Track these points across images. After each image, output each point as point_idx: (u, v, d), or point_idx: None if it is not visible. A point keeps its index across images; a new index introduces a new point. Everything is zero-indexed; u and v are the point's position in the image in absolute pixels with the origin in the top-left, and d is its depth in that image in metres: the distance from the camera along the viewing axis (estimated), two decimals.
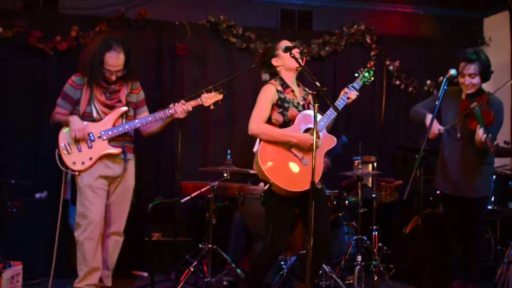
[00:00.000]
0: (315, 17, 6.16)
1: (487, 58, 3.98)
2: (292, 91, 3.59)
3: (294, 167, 3.45)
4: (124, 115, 3.86)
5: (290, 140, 3.45)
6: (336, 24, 6.06)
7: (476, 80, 3.92)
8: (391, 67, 6.12)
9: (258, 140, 3.56)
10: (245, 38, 5.76)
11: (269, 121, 3.54)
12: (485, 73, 3.94)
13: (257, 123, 3.48)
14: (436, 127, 3.91)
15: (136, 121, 3.87)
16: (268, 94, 3.53)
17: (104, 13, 5.47)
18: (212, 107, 4.02)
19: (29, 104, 5.27)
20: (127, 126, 3.83)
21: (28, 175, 5.05)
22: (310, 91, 3.53)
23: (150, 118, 3.87)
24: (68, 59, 5.28)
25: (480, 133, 3.69)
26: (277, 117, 3.53)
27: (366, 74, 3.74)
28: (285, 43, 3.57)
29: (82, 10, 5.52)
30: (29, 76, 5.29)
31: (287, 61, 3.55)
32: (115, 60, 3.72)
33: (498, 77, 5.95)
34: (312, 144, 3.31)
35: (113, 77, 3.77)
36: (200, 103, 3.98)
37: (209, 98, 4.00)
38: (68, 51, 5.29)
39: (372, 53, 6.08)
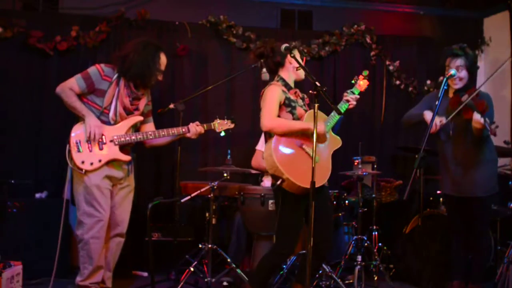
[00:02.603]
0: (315, 17, 6.16)
1: (474, 53, 4.04)
2: (295, 92, 3.64)
3: (306, 163, 3.41)
4: (136, 124, 3.88)
5: (305, 128, 3.45)
6: (336, 24, 6.06)
7: (464, 73, 3.94)
8: (391, 67, 6.12)
9: (262, 138, 3.59)
10: (245, 38, 5.75)
11: None
12: (472, 68, 4.00)
13: (270, 118, 3.48)
14: (437, 120, 3.88)
15: (150, 132, 3.86)
16: (275, 93, 3.54)
17: (104, 13, 5.47)
18: (223, 133, 4.02)
19: (29, 104, 5.27)
20: (140, 136, 3.83)
21: (28, 175, 5.06)
22: (310, 91, 3.54)
23: (163, 133, 3.87)
24: (68, 59, 5.29)
25: (477, 118, 3.67)
26: (286, 116, 3.55)
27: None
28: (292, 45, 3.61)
29: (82, 10, 5.52)
30: (29, 76, 5.29)
31: (291, 68, 3.65)
32: (166, 58, 3.90)
33: (498, 77, 5.98)
34: (324, 134, 3.49)
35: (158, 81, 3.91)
36: (212, 128, 4.00)
37: (221, 125, 4.02)
38: (68, 51, 5.29)
39: (372, 53, 6.08)
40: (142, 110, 3.90)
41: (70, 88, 3.71)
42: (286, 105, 3.55)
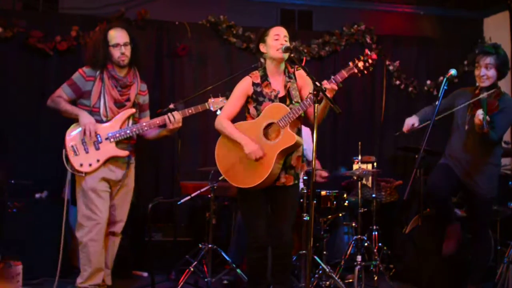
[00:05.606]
0: (315, 17, 6.16)
1: (505, 54, 3.92)
2: (269, 84, 3.47)
3: (244, 161, 3.39)
4: (131, 116, 3.85)
5: (240, 143, 3.38)
6: (336, 24, 6.07)
7: (492, 72, 3.84)
8: (391, 67, 6.12)
9: None
10: (245, 38, 5.76)
11: (248, 113, 3.52)
12: (502, 68, 3.86)
13: (219, 118, 3.50)
14: (411, 121, 4.00)
15: (144, 124, 3.84)
16: (240, 87, 3.50)
17: (104, 13, 5.48)
18: (218, 111, 3.98)
19: (29, 104, 5.27)
20: (134, 129, 3.80)
21: (28, 175, 5.06)
22: (310, 92, 3.47)
23: (157, 121, 3.85)
24: (68, 59, 5.29)
25: (478, 113, 3.59)
26: (253, 111, 3.48)
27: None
28: (276, 29, 3.46)
29: (82, 10, 5.53)
30: (29, 76, 5.29)
31: (271, 50, 3.43)
32: (119, 32, 3.76)
33: None
34: (258, 158, 3.33)
35: (123, 56, 3.73)
36: (207, 107, 3.97)
37: (216, 103, 3.97)
38: (68, 51, 5.30)
39: None
40: (134, 100, 3.85)
41: (58, 96, 3.77)
42: (253, 100, 3.47)
